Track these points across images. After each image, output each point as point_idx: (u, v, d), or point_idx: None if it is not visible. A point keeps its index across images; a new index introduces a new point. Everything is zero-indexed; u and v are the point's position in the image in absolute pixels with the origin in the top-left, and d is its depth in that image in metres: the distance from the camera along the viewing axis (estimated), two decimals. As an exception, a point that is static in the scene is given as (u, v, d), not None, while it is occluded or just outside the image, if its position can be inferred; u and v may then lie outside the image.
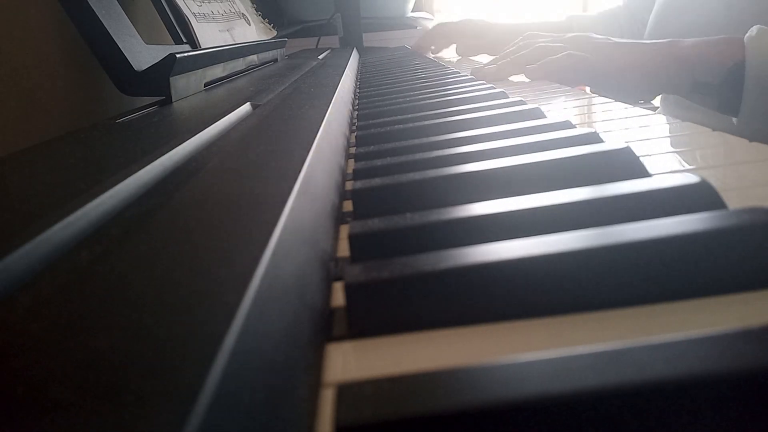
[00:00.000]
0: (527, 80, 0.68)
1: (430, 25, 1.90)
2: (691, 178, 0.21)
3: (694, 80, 0.57)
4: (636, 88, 0.61)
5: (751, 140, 0.30)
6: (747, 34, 0.53)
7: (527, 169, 0.26)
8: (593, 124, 0.41)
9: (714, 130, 0.33)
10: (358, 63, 1.13)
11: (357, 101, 0.62)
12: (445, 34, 1.24)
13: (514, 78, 0.71)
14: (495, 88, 0.54)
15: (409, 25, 1.81)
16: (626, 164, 0.25)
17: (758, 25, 0.53)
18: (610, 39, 0.65)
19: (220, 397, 0.09)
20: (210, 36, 0.67)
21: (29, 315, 0.12)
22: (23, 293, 0.13)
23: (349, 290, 0.16)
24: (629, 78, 0.61)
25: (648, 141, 0.33)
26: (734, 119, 0.55)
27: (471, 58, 1.14)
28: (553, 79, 0.65)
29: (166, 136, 0.30)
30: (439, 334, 0.16)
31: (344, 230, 0.24)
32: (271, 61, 0.93)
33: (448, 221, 0.21)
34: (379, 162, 0.31)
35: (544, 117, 0.39)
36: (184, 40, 0.61)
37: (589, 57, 0.64)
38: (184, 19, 0.62)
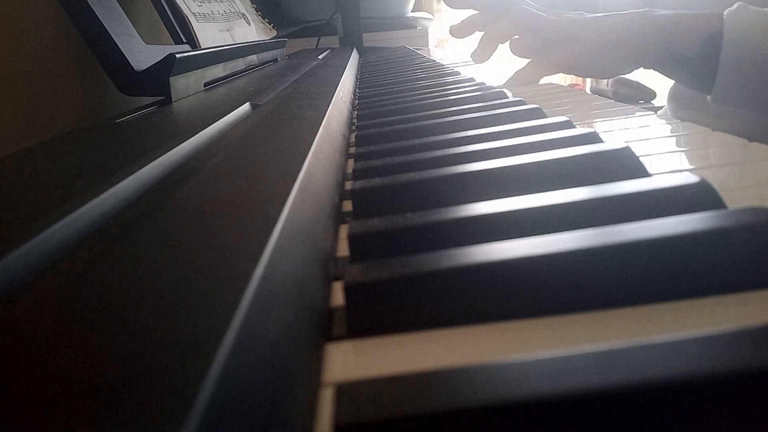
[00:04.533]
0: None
1: (429, 25, 1.90)
2: (690, 178, 0.21)
3: (670, 51, 0.56)
4: (613, 62, 0.60)
5: (750, 140, 0.30)
6: (727, 10, 0.53)
7: (527, 169, 0.26)
8: (593, 124, 0.41)
9: (714, 130, 0.33)
10: (358, 63, 1.12)
11: (357, 101, 0.62)
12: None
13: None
14: (495, 88, 0.54)
15: (409, 25, 1.81)
16: (626, 164, 0.25)
17: (740, 2, 0.52)
18: (584, 14, 0.64)
19: (219, 397, 0.09)
20: (210, 36, 0.67)
21: (29, 315, 0.12)
22: (23, 293, 0.13)
23: (348, 290, 0.16)
24: (609, 53, 0.59)
25: (648, 141, 0.33)
26: (708, 97, 0.55)
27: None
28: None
29: (166, 136, 0.30)
30: (438, 334, 0.16)
31: (344, 230, 0.24)
32: (271, 61, 0.93)
33: (448, 221, 0.21)
34: (378, 162, 0.31)
35: (544, 117, 0.39)
36: (184, 40, 0.61)
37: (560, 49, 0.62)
38: (184, 19, 0.62)
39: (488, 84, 0.58)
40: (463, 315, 0.16)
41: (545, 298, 0.16)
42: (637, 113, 0.41)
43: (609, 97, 0.52)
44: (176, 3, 0.61)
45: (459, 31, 0.75)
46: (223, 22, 0.75)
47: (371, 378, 0.13)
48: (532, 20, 0.64)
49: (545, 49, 0.63)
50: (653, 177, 0.24)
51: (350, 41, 1.52)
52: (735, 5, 0.52)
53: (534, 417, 0.11)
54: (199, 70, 0.54)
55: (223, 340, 0.10)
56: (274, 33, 1.05)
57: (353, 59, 1.03)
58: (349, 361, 0.15)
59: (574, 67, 0.62)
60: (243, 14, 0.87)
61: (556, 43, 0.62)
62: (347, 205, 0.28)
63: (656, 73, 0.62)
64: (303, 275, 0.16)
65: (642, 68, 0.61)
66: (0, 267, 0.14)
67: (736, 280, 0.16)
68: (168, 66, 0.45)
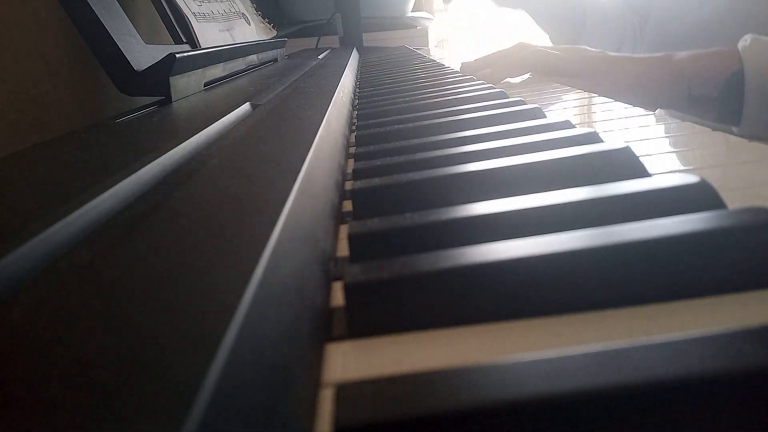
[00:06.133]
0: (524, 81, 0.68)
1: (429, 25, 1.90)
2: (690, 178, 0.21)
3: (690, 94, 0.56)
4: (632, 103, 0.60)
5: (751, 140, 0.30)
6: (740, 44, 0.53)
7: (527, 169, 0.26)
8: (593, 124, 0.41)
9: (714, 130, 0.33)
10: (358, 63, 1.12)
11: (357, 101, 0.62)
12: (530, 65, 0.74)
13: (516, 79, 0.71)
14: (495, 88, 0.54)
15: (409, 25, 1.81)
16: (626, 164, 0.25)
17: (750, 34, 0.53)
18: (604, 53, 0.64)
19: (219, 397, 0.09)
20: (210, 36, 0.67)
21: (29, 315, 0.12)
22: (23, 293, 0.13)
23: (348, 290, 0.16)
24: (624, 94, 0.60)
25: (648, 141, 0.33)
26: (734, 129, 0.55)
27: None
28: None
29: (166, 135, 0.30)
30: (438, 334, 0.16)
31: (344, 230, 0.24)
32: (271, 61, 0.93)
33: (448, 221, 0.21)
34: (378, 162, 0.31)
35: (544, 117, 0.39)
36: (184, 40, 0.61)
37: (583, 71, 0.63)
38: (184, 18, 0.62)
39: (488, 84, 0.58)
40: (463, 315, 0.16)
41: (545, 298, 0.16)
42: (637, 113, 0.41)
43: (609, 97, 0.52)
44: (176, 3, 0.61)
45: (472, 70, 0.76)
46: (223, 22, 0.75)
47: (371, 378, 0.13)
48: (546, 59, 0.64)
49: (563, 79, 0.64)
50: (653, 177, 0.24)
51: (350, 41, 1.52)
52: (748, 39, 0.52)
53: (534, 417, 0.11)
54: (199, 70, 0.54)
55: (223, 341, 0.10)
56: (274, 33, 1.05)
57: (353, 59, 1.03)
58: (349, 361, 0.15)
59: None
60: (243, 14, 0.87)
61: (574, 78, 0.63)
62: (347, 205, 0.28)
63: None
64: (303, 275, 0.16)
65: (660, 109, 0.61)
66: (0, 267, 0.14)
67: (736, 280, 0.16)
68: (168, 66, 0.45)
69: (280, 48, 1.01)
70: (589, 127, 0.32)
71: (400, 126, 0.42)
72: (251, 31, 0.88)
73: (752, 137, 0.53)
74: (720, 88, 0.54)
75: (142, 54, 0.47)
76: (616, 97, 0.59)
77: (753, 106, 0.52)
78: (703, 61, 0.56)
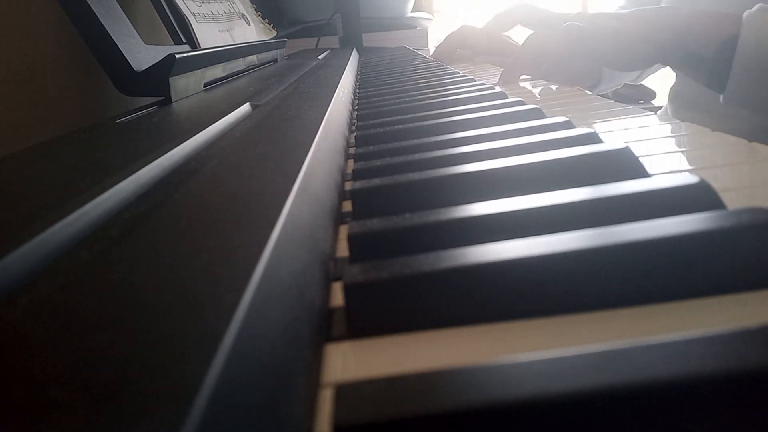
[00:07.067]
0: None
1: (429, 25, 1.90)
2: (690, 179, 0.21)
3: (686, 50, 0.56)
4: (629, 56, 0.59)
5: (750, 140, 0.30)
6: (747, 11, 0.52)
7: (527, 169, 0.26)
8: (593, 124, 0.41)
9: (714, 130, 0.33)
10: (358, 63, 1.13)
11: (357, 101, 0.62)
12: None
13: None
14: (494, 88, 0.54)
15: (409, 25, 1.81)
16: (626, 164, 0.25)
17: (761, 4, 0.52)
18: (604, 13, 0.64)
19: (219, 397, 0.09)
20: (210, 36, 0.67)
21: (29, 315, 0.12)
22: (23, 293, 0.13)
23: (348, 290, 0.16)
24: (622, 45, 0.59)
25: (648, 141, 0.33)
26: (721, 97, 0.54)
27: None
28: (554, 76, 0.64)
29: (166, 136, 0.30)
30: (438, 334, 0.16)
31: (343, 230, 0.24)
32: (270, 62, 0.93)
33: (448, 221, 0.21)
34: (378, 162, 0.31)
35: (544, 117, 0.39)
36: (184, 41, 0.61)
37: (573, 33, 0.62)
38: (184, 19, 0.62)
39: (488, 84, 0.58)
40: (463, 315, 0.16)
41: (545, 298, 0.16)
42: (637, 113, 0.41)
43: (609, 97, 0.52)
44: (176, 3, 0.61)
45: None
46: (223, 23, 0.75)
47: (371, 378, 0.13)
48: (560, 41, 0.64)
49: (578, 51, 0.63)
50: (653, 177, 0.24)
51: (350, 41, 1.52)
52: (756, 6, 0.52)
53: (534, 417, 0.11)
54: (199, 70, 0.54)
55: (222, 341, 0.10)
56: (274, 33, 1.05)
57: (353, 59, 1.03)
58: (349, 361, 0.15)
59: (593, 54, 0.61)
60: (243, 14, 0.87)
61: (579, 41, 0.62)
62: (347, 206, 0.28)
63: (656, 73, 0.62)
64: (303, 276, 0.16)
65: (660, 64, 0.60)
66: (0, 267, 0.14)
67: (736, 280, 0.16)
68: (168, 66, 0.45)
69: (280, 48, 1.01)
70: (588, 127, 0.32)
71: (400, 126, 0.42)
72: (251, 31, 0.88)
73: (736, 107, 0.53)
74: (714, 49, 0.53)
75: (142, 54, 0.47)
76: (616, 50, 0.59)
77: (739, 74, 0.51)
78: (704, 18, 0.55)
